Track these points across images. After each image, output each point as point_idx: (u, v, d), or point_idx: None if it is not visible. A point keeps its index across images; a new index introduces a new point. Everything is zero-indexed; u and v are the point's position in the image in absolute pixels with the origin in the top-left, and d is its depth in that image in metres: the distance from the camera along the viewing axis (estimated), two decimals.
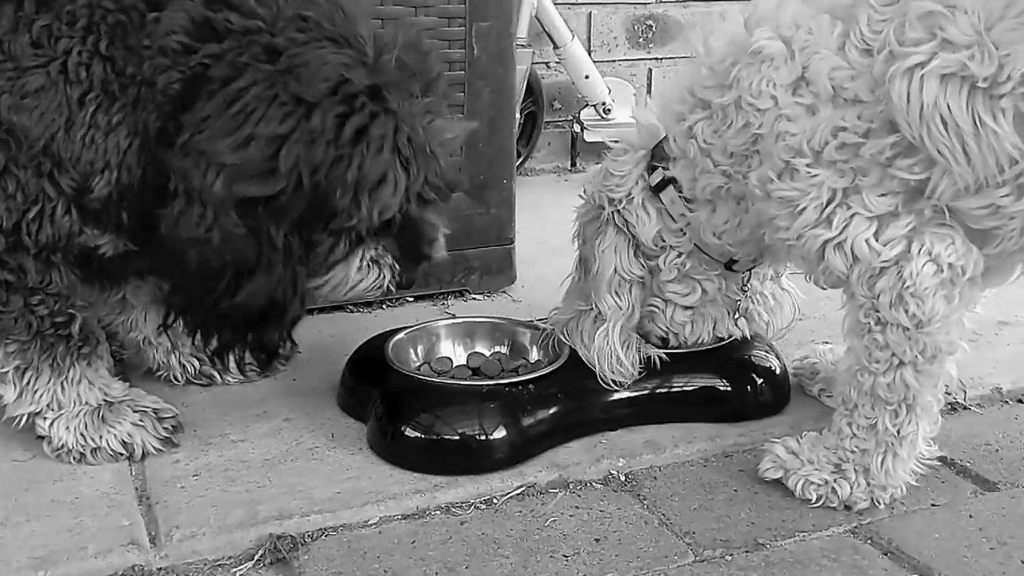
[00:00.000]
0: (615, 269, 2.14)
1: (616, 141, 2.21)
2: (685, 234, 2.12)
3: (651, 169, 2.11)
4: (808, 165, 1.80)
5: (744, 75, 1.86)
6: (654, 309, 2.22)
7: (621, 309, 2.15)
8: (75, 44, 1.80)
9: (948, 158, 1.67)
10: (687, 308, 2.22)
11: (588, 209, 2.22)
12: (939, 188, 1.73)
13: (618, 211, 2.13)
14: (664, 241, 2.14)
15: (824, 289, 1.95)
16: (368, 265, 1.95)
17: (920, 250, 1.77)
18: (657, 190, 2.10)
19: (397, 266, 1.98)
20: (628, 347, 2.16)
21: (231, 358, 2.00)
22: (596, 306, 2.16)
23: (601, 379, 2.14)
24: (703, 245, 2.12)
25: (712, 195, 2.02)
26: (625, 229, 2.14)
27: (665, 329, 2.24)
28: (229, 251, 1.76)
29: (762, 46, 1.84)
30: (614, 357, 2.13)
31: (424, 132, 1.83)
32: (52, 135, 1.81)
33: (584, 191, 2.25)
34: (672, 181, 2.08)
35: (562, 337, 2.25)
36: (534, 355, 2.34)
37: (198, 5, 1.79)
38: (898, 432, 1.87)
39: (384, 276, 1.98)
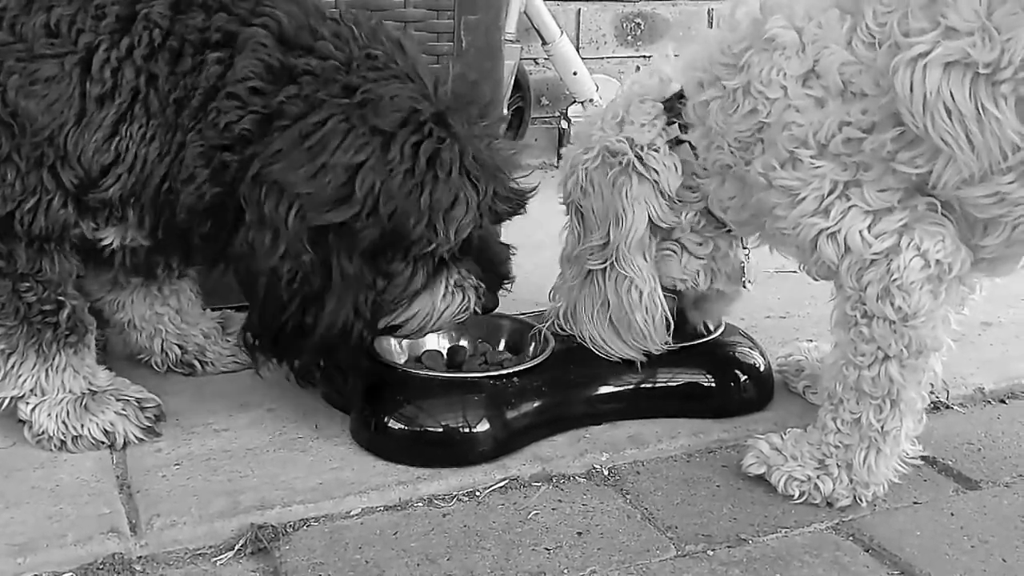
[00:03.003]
0: (650, 218, 2.09)
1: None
2: (696, 193, 2.10)
3: (669, 123, 2.09)
4: (812, 156, 1.80)
5: (756, 61, 1.86)
6: (669, 254, 2.17)
7: (649, 272, 2.11)
8: (101, 42, 1.81)
9: (952, 146, 1.67)
10: (700, 258, 2.18)
11: (595, 156, 2.13)
12: (943, 177, 1.73)
13: (640, 157, 2.08)
14: (681, 197, 2.10)
15: (816, 280, 1.96)
16: (452, 291, 1.99)
17: (909, 244, 1.77)
18: (673, 146, 2.08)
19: (482, 286, 2.03)
20: (661, 312, 2.13)
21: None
22: (623, 268, 2.10)
23: (624, 349, 2.15)
24: (710, 211, 2.11)
25: (721, 170, 2.01)
26: (648, 176, 2.08)
27: (678, 276, 2.18)
28: (298, 280, 1.82)
29: (775, 34, 1.84)
30: (651, 325, 2.12)
31: (487, 151, 1.90)
32: (60, 127, 1.80)
33: (587, 140, 2.16)
34: (689, 143, 2.06)
35: (561, 327, 2.23)
36: (500, 347, 2.34)
37: (273, 50, 1.84)
38: (882, 428, 1.87)
39: (470, 299, 2.02)
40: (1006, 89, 1.62)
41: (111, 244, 1.98)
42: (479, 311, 2.05)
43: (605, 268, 2.13)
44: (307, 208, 1.78)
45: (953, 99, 1.64)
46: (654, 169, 2.07)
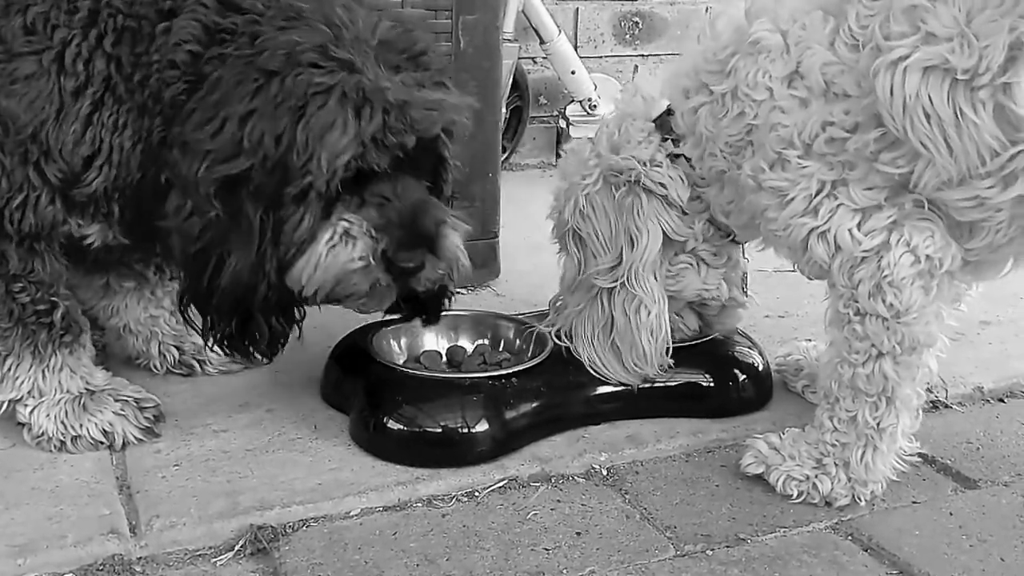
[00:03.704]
0: (665, 233, 2.10)
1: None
2: (701, 204, 2.11)
3: (663, 140, 2.09)
4: (799, 157, 1.82)
5: (742, 65, 1.88)
6: (686, 267, 2.17)
7: (659, 293, 2.11)
8: (75, 36, 1.81)
9: (931, 150, 1.68)
10: (718, 268, 2.19)
11: (596, 179, 2.14)
12: (923, 180, 1.74)
13: (646, 174, 2.08)
14: (688, 209, 2.11)
15: (810, 280, 1.96)
16: (342, 238, 1.79)
17: (899, 241, 1.78)
18: (672, 161, 2.09)
19: (380, 234, 1.80)
20: (664, 334, 2.13)
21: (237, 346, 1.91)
22: (634, 288, 2.10)
23: (621, 373, 2.14)
24: (714, 219, 2.12)
25: (718, 176, 2.02)
26: (656, 191, 2.08)
27: (701, 288, 2.19)
28: (207, 236, 1.77)
29: (760, 37, 1.85)
30: (653, 347, 2.11)
31: (397, 89, 1.76)
32: (41, 123, 1.81)
33: (582, 166, 2.17)
34: (683, 156, 2.07)
35: (558, 340, 2.23)
36: (499, 347, 2.35)
37: (211, 12, 1.81)
38: (878, 425, 1.88)
39: (368, 247, 1.79)
40: (984, 95, 1.64)
41: (95, 242, 1.97)
42: (374, 261, 1.80)
43: (613, 289, 2.13)
44: (213, 163, 1.74)
45: (932, 103, 1.66)
46: (660, 183, 2.08)
